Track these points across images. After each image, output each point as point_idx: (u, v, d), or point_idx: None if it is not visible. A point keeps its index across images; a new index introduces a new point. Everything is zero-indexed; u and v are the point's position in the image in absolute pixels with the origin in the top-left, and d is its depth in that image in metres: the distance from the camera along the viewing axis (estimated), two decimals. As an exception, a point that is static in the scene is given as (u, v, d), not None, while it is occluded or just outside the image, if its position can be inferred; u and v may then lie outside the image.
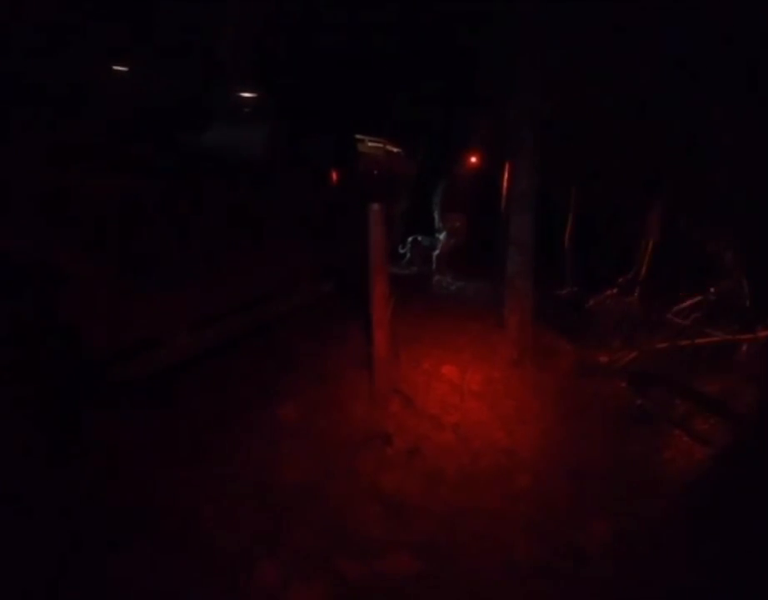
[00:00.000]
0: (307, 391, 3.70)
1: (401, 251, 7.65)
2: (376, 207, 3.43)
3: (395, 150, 5.82)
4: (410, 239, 7.58)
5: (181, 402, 3.38)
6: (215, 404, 3.42)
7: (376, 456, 3.15)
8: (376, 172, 5.02)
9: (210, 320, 3.79)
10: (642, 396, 4.23)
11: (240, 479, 2.79)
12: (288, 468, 2.90)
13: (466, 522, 2.70)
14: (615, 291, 5.57)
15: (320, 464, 2.99)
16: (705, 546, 2.65)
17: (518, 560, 2.49)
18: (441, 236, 7.13)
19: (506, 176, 5.38)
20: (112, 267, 3.07)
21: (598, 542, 2.60)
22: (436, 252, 7.16)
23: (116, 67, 3.42)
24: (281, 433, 3.22)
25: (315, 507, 2.65)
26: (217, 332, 3.85)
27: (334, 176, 4.58)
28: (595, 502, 2.93)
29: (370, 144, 5.33)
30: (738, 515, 2.84)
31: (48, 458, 2.64)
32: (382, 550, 2.43)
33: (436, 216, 7.07)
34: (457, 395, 4.04)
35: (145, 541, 2.30)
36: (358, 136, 5.11)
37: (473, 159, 6.80)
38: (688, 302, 5.06)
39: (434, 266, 7.30)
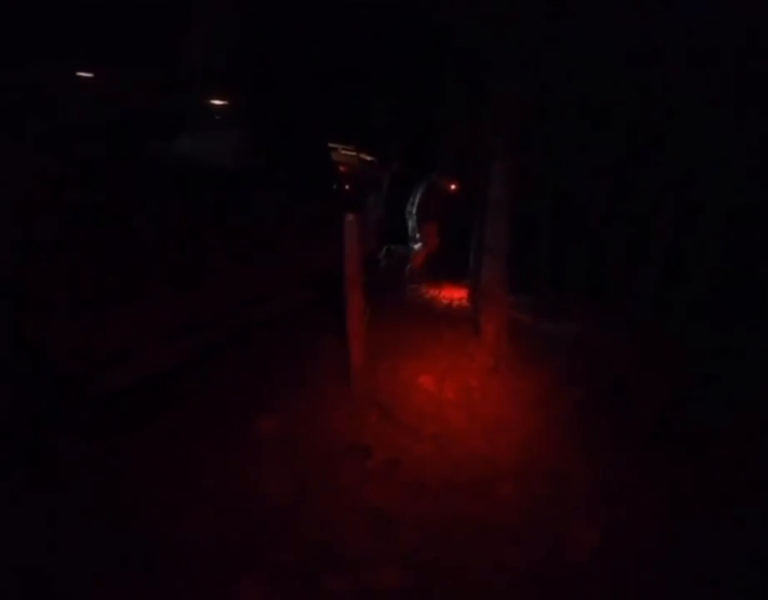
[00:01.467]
0: (286, 403, 3.62)
1: (379, 259, 7.62)
2: (350, 217, 3.39)
3: (368, 158, 5.80)
4: (384, 249, 7.55)
5: (157, 416, 3.27)
6: (192, 417, 3.32)
7: (357, 468, 3.10)
8: (349, 180, 4.98)
9: (185, 331, 3.69)
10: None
11: (220, 494, 2.70)
12: (269, 482, 2.82)
13: (450, 532, 2.66)
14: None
15: (301, 478, 2.91)
16: (690, 549, 2.66)
17: (506, 568, 2.46)
18: (416, 246, 7.13)
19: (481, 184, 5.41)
20: (80, 278, 2.98)
21: (585, 548, 2.59)
22: (410, 261, 7.15)
23: (80, 73, 3.33)
24: (260, 447, 3.13)
25: (298, 521, 2.58)
26: (193, 344, 3.75)
27: (310, 184, 4.53)
28: (578, 508, 2.92)
29: (343, 152, 5.30)
30: (723, 517, 2.87)
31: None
32: (368, 564, 2.37)
33: (411, 225, 7.06)
34: (435, 405, 4.01)
35: (124, 560, 2.20)
36: (332, 144, 5.08)
37: (449, 167, 6.82)
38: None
39: (407, 275, 7.27)
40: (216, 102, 3.92)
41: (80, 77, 3.17)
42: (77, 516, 2.43)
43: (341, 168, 4.87)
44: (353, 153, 5.51)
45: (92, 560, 2.21)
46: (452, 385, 4.27)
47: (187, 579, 2.17)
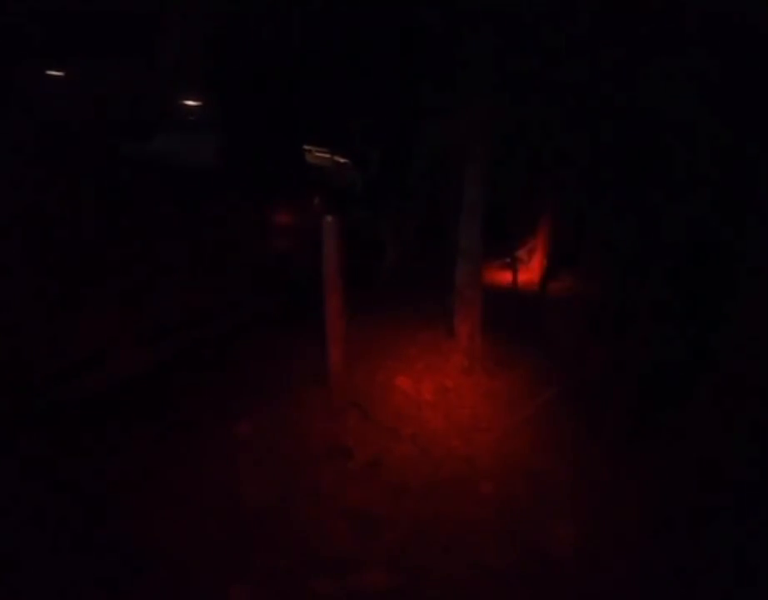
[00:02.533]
0: (263, 407, 3.59)
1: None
2: (330, 219, 3.39)
3: (342, 160, 5.79)
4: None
5: (129, 422, 3.19)
6: (169, 422, 3.26)
7: (338, 470, 3.09)
8: (322, 182, 4.96)
9: (157, 335, 3.62)
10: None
11: (199, 498, 2.66)
12: (250, 488, 2.79)
13: (433, 532, 2.67)
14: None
15: (282, 482, 2.89)
16: (668, 543, 2.74)
17: (489, 567, 2.49)
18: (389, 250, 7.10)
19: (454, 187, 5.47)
20: (48, 280, 2.90)
21: (565, 545, 2.64)
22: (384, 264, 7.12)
23: (50, 72, 3.24)
24: (238, 452, 3.10)
25: (281, 526, 2.56)
26: (165, 348, 3.69)
27: (284, 187, 4.50)
28: (557, 505, 2.98)
29: (317, 154, 5.28)
30: (698, 511, 2.97)
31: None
32: (354, 566, 2.37)
33: (384, 229, 7.03)
34: (412, 406, 4.03)
35: (104, 572, 2.14)
36: (306, 146, 5.04)
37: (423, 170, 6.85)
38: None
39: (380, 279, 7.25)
40: (190, 103, 3.86)
41: (50, 75, 3.08)
42: (46, 521, 2.37)
43: (315, 170, 4.84)
44: (327, 155, 5.49)
45: (64, 567, 2.16)
46: (429, 386, 4.30)
47: (173, 585, 2.14)
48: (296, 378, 4.07)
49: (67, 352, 3.02)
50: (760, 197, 3.80)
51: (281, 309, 5.16)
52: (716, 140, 4.53)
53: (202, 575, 2.19)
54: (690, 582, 2.49)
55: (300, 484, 2.89)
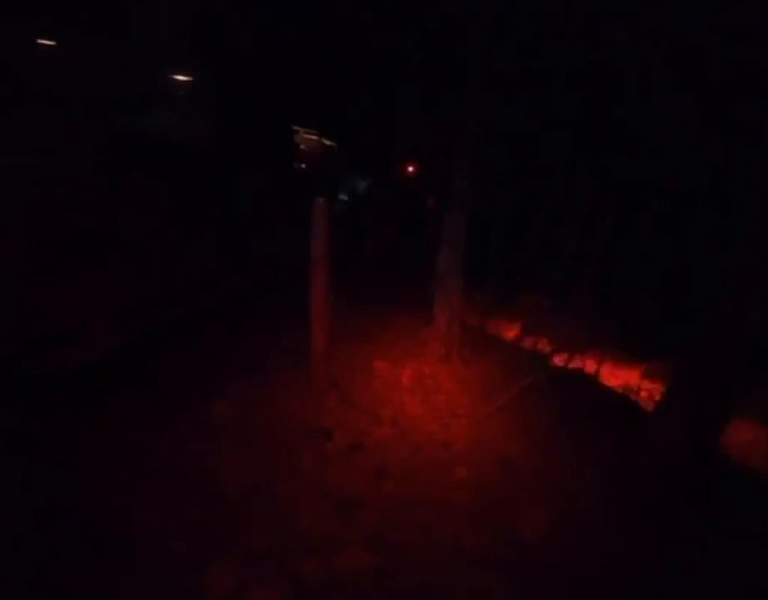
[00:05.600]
0: (242, 387, 3.60)
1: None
2: (320, 200, 3.39)
3: (328, 143, 5.73)
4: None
5: (108, 399, 3.17)
6: (145, 403, 3.24)
7: (318, 452, 3.13)
8: (309, 164, 4.91)
9: (133, 311, 3.58)
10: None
11: (179, 479, 2.66)
12: (230, 467, 2.81)
13: (412, 514, 2.74)
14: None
15: (262, 462, 2.92)
16: (635, 525, 2.87)
17: (465, 549, 2.57)
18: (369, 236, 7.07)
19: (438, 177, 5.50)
20: (22, 253, 2.85)
21: (537, 528, 2.74)
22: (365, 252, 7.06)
23: (41, 41, 3.14)
24: (218, 431, 3.11)
25: (262, 506, 2.59)
26: (143, 325, 3.65)
27: (272, 166, 4.44)
28: (529, 491, 3.08)
29: (305, 136, 5.21)
30: (663, 493, 3.10)
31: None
32: (336, 547, 2.42)
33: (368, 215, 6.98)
34: (390, 390, 4.09)
35: (85, 548, 2.15)
36: (295, 126, 4.98)
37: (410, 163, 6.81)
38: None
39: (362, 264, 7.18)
40: (181, 78, 3.78)
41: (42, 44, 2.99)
42: (29, 501, 2.36)
43: (302, 151, 4.79)
44: (314, 137, 5.43)
45: (46, 544, 2.16)
46: (407, 371, 4.36)
47: (153, 561, 2.16)
48: (276, 359, 4.08)
49: (46, 325, 2.97)
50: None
51: (264, 288, 5.14)
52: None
53: (181, 555, 2.21)
54: (657, 565, 2.62)
55: (280, 465, 2.92)
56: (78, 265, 3.18)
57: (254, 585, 2.13)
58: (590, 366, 4.97)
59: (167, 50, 3.76)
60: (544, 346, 5.36)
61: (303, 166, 4.67)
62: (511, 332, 5.98)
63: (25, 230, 2.90)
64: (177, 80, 3.74)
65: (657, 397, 3.92)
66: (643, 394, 5.03)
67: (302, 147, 4.62)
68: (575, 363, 4.74)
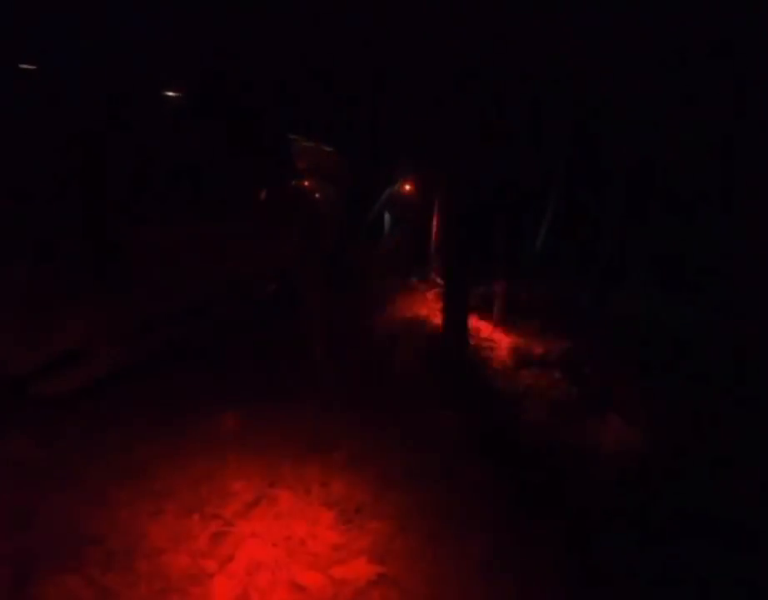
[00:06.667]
0: (247, 400, 3.59)
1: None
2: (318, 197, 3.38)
3: (328, 149, 5.70)
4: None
5: (113, 417, 3.21)
6: (153, 417, 3.28)
7: (323, 462, 3.11)
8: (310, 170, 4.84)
9: (139, 329, 3.59)
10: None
11: (183, 494, 2.68)
12: (234, 478, 2.81)
13: (416, 523, 2.70)
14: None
15: (266, 473, 2.91)
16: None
17: (471, 554, 2.53)
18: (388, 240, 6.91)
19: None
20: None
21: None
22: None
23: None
24: (224, 444, 3.11)
25: (265, 516, 2.59)
26: (147, 342, 3.65)
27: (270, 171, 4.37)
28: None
29: (304, 144, 5.19)
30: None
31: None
32: (339, 557, 2.40)
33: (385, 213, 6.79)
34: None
35: (90, 565, 2.16)
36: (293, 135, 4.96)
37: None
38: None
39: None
40: (171, 93, 3.80)
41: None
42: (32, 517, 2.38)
43: (302, 158, 4.76)
44: (312, 144, 5.41)
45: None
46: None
47: (154, 580, 2.16)
48: (281, 371, 4.05)
49: (39, 347, 2.99)
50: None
51: (266, 298, 5.10)
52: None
53: (182, 568, 2.22)
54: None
55: (284, 475, 2.91)
56: (81, 281, 3.21)
57: (255, 598, 2.12)
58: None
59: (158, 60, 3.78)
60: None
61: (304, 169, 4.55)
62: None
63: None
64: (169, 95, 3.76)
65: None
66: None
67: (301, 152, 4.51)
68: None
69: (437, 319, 5.08)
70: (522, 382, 4.30)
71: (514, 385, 4.27)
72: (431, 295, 5.87)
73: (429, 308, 5.57)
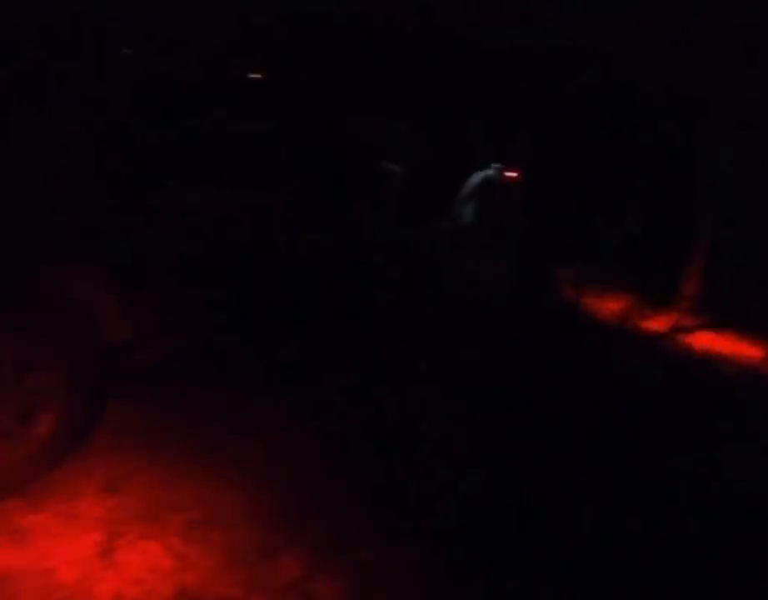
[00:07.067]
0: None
1: None
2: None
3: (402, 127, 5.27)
4: None
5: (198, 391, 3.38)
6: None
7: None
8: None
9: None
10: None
11: (264, 468, 2.82)
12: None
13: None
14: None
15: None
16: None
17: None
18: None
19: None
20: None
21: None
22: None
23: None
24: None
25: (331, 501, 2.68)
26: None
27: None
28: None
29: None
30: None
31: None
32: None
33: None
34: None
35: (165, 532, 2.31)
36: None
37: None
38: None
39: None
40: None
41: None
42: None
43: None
44: (381, 122, 5.03)
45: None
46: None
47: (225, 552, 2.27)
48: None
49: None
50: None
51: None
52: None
53: (251, 543, 2.33)
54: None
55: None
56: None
57: (321, 574, 2.21)
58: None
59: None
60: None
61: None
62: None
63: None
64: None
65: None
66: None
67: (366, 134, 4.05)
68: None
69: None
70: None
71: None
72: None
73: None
